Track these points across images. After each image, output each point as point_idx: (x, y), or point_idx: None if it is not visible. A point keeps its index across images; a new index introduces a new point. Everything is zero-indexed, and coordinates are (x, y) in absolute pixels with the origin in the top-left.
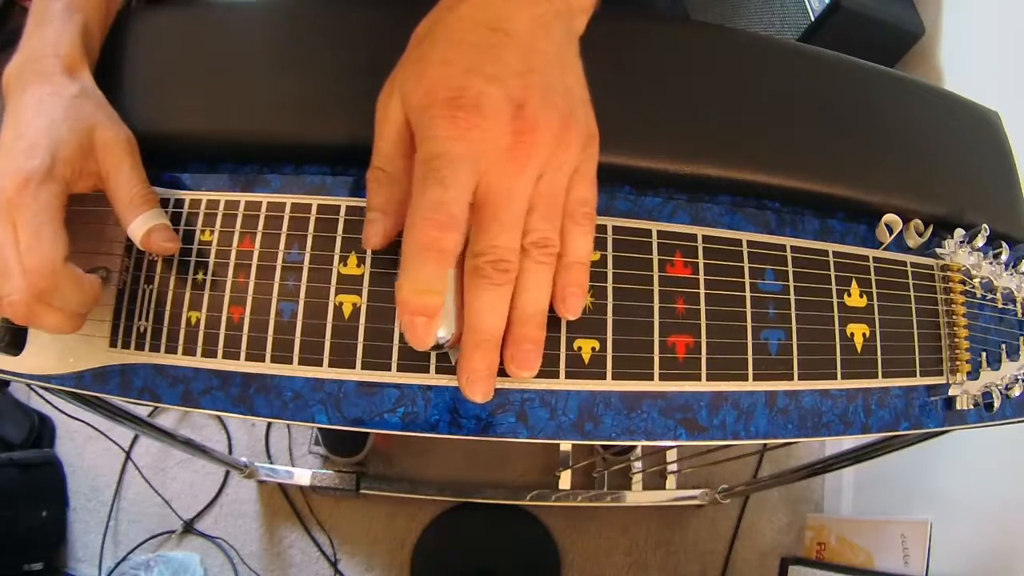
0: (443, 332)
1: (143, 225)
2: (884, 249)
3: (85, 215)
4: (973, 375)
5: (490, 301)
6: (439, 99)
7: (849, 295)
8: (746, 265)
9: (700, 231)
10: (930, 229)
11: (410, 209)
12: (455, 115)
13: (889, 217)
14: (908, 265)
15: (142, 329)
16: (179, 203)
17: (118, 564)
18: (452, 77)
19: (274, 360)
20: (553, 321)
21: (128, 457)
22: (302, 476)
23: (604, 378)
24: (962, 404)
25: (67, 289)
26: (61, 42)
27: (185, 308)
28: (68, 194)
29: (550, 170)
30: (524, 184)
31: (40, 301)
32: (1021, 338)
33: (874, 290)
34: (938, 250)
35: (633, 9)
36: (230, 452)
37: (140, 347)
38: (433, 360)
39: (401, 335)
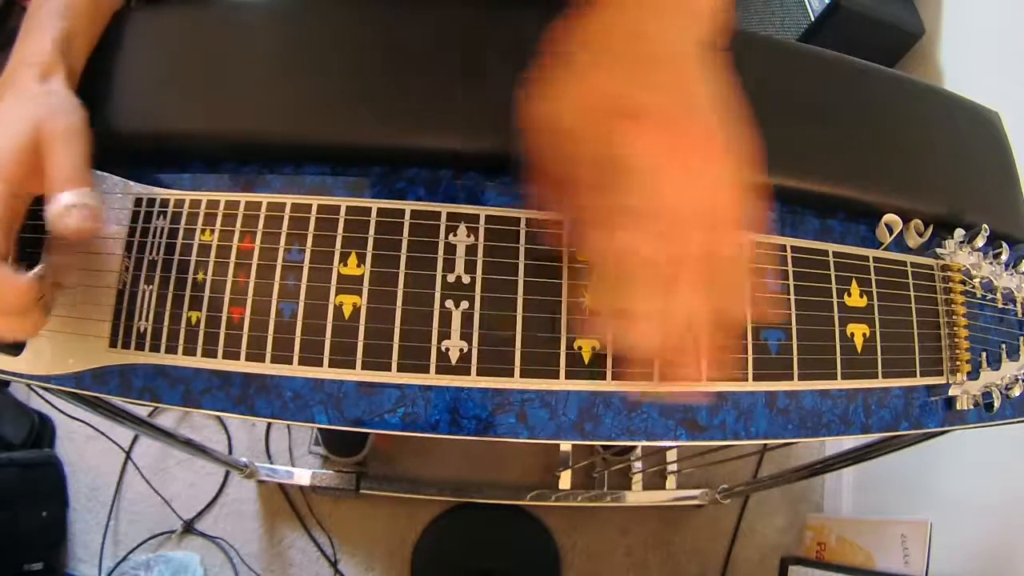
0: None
1: (68, 200)
2: (884, 249)
3: None
4: (973, 375)
5: (676, 306)
6: (606, 108)
7: (849, 295)
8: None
9: None
10: (930, 229)
11: (595, 211)
12: (624, 124)
13: (889, 217)
14: (908, 265)
15: (142, 329)
16: (179, 203)
17: (118, 564)
18: (615, 86)
19: (274, 360)
20: (552, 321)
21: (128, 457)
22: (302, 476)
23: (604, 378)
24: (962, 404)
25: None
26: (38, 50)
27: (185, 308)
28: (17, 194)
29: (704, 177)
30: (689, 193)
31: None
32: (1021, 338)
33: (874, 290)
34: (938, 250)
35: None
36: (230, 452)
37: (140, 347)
38: (433, 360)
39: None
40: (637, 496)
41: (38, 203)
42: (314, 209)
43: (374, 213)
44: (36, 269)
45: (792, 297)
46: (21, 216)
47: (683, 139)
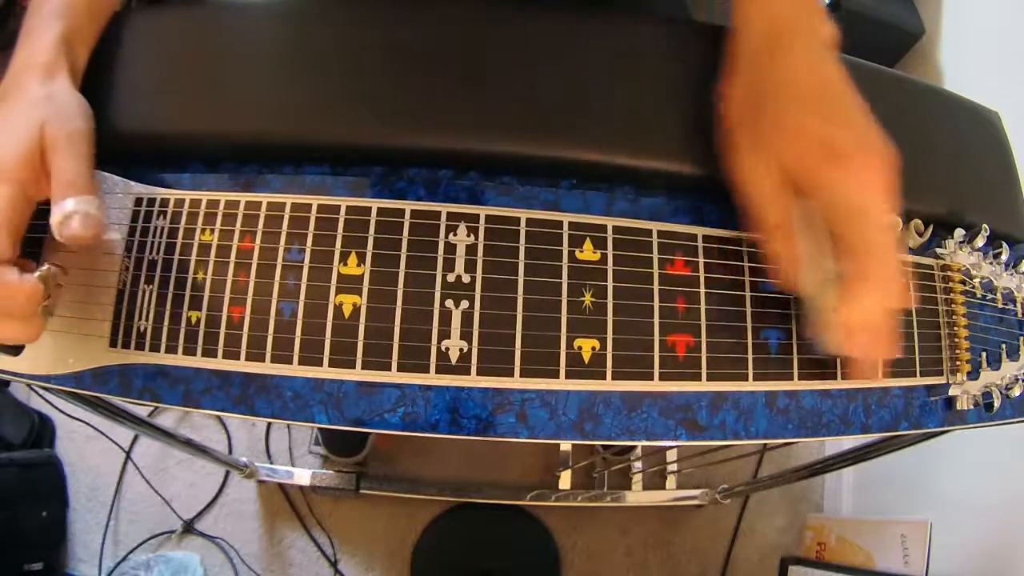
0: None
1: (70, 207)
2: None
3: None
4: (973, 375)
5: (883, 307)
6: (816, 149)
7: None
8: (746, 264)
9: (700, 231)
10: (930, 229)
11: (850, 253)
12: (838, 162)
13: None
14: (908, 265)
15: (142, 329)
16: (179, 203)
17: (118, 564)
18: (815, 126)
19: (274, 360)
20: (552, 321)
21: (128, 457)
22: (302, 476)
23: (604, 378)
24: (962, 404)
25: None
26: (39, 51)
27: (185, 308)
28: (24, 196)
29: (885, 192)
30: (884, 212)
31: None
32: (1021, 338)
33: None
34: (938, 250)
35: (635, 10)
36: (230, 452)
37: (140, 347)
38: (433, 360)
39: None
40: (637, 496)
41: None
42: (314, 209)
43: (374, 213)
44: (41, 271)
45: (792, 297)
46: (27, 220)
47: (882, 169)
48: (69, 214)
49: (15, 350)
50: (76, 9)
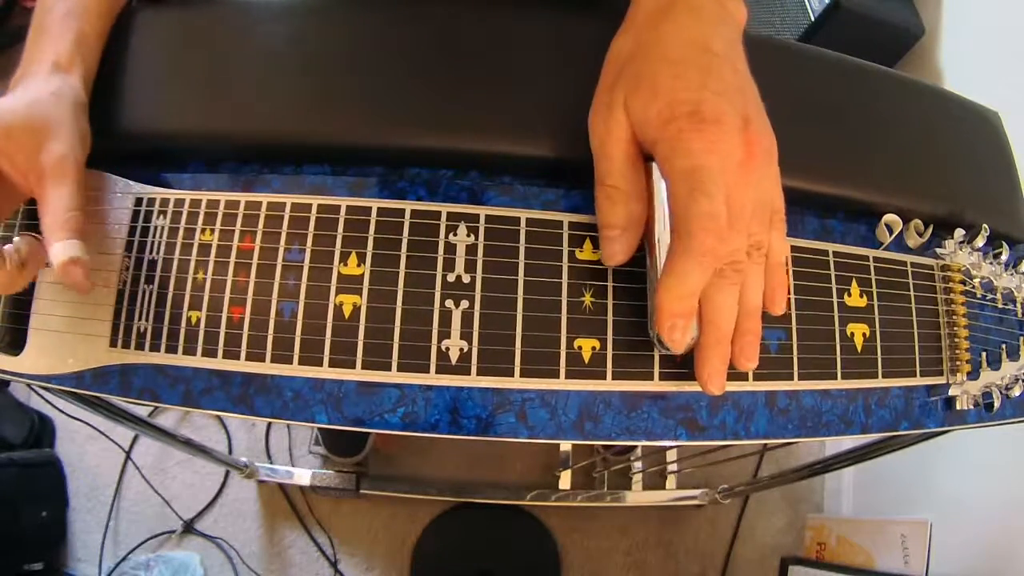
0: (694, 333)
1: (67, 252)
2: (884, 249)
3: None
4: (973, 375)
5: (731, 300)
6: (682, 113)
7: (849, 295)
8: None
9: None
10: (930, 229)
11: (680, 220)
12: (702, 128)
13: (889, 217)
14: (908, 265)
15: (142, 329)
16: (179, 203)
17: (118, 564)
18: (687, 91)
19: (274, 360)
20: (553, 321)
21: (128, 457)
22: (302, 476)
23: (604, 378)
24: (962, 404)
25: None
26: (53, 48)
27: (185, 308)
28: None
29: (764, 179)
30: (752, 193)
31: None
32: (1021, 338)
33: (874, 290)
34: (938, 250)
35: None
36: (230, 452)
37: (140, 347)
38: (433, 360)
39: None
40: (637, 496)
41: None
42: (314, 209)
43: (374, 213)
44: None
45: (792, 297)
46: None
47: (754, 141)
48: (75, 259)
49: (15, 350)
50: (91, 11)
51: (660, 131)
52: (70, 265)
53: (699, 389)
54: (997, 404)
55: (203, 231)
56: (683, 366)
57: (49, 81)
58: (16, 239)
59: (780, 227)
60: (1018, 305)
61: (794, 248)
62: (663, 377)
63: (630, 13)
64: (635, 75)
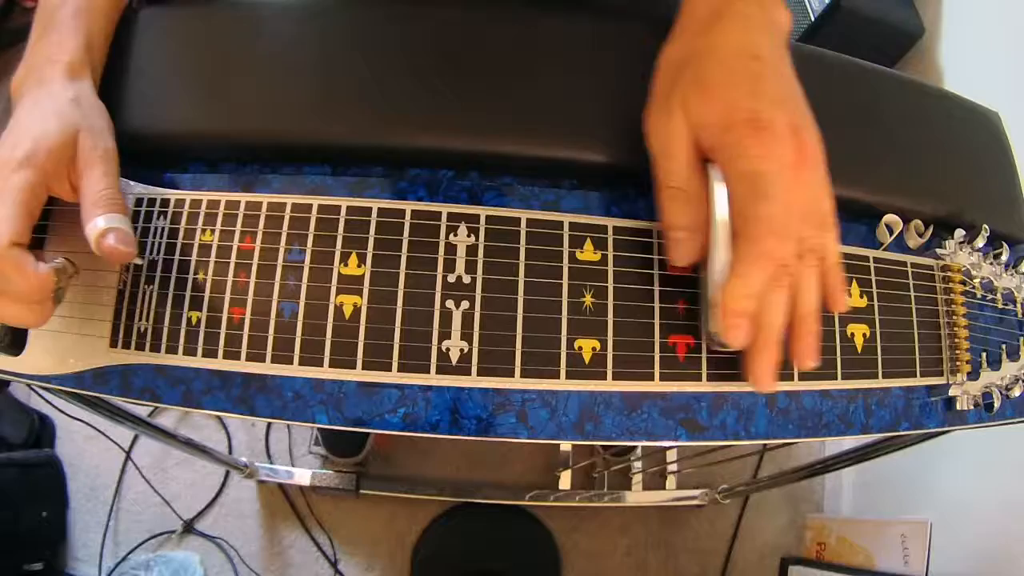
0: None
1: (103, 224)
2: (884, 249)
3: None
4: (973, 375)
5: (782, 301)
6: (739, 120)
7: (849, 295)
8: None
9: None
10: (930, 229)
11: (742, 223)
12: (760, 135)
13: (889, 217)
14: (908, 265)
15: (143, 329)
16: (179, 203)
17: (118, 564)
18: (743, 99)
19: (275, 360)
20: (553, 322)
21: (128, 457)
22: (302, 476)
23: (604, 378)
24: (962, 404)
25: (7, 271)
26: (64, 49)
27: (186, 308)
28: (45, 186)
29: (813, 183)
30: (803, 197)
31: None
32: (1021, 338)
33: (874, 290)
34: (938, 250)
35: (635, 9)
36: (230, 452)
37: (140, 347)
38: (433, 360)
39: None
40: (637, 496)
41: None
42: (315, 209)
43: (375, 213)
44: (56, 261)
45: None
46: (41, 209)
47: (805, 146)
48: (104, 231)
49: (15, 350)
50: (98, 10)
51: (720, 136)
52: (106, 235)
53: (700, 389)
54: (997, 404)
55: (203, 231)
56: (684, 367)
57: (67, 89)
58: (58, 260)
59: (831, 229)
60: (1018, 305)
61: None
62: (663, 377)
63: (680, 21)
64: (693, 81)
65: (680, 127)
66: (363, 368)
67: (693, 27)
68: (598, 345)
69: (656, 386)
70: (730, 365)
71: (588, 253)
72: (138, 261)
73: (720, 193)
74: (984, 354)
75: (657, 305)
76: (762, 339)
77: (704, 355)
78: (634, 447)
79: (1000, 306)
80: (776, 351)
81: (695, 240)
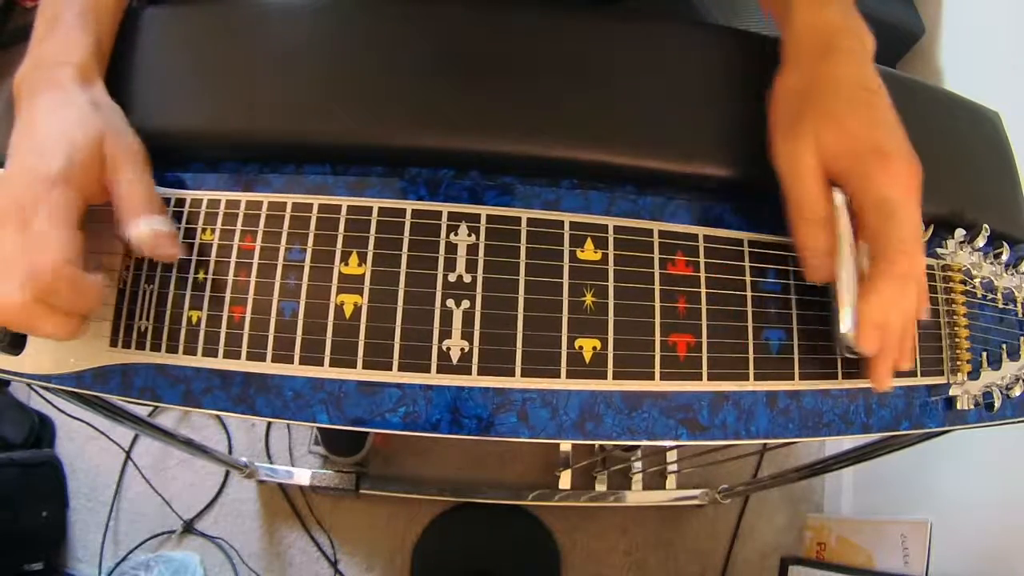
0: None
1: (147, 226)
2: None
3: (88, 215)
4: (974, 375)
5: (904, 312)
6: (867, 149)
7: None
8: (747, 264)
9: (701, 231)
10: (930, 229)
11: (882, 246)
12: (886, 163)
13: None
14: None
15: (143, 329)
16: (180, 203)
17: (118, 564)
18: (867, 129)
19: (275, 359)
20: (554, 321)
21: (128, 457)
22: (302, 476)
23: (605, 378)
24: (963, 404)
25: (64, 290)
26: (75, 51)
27: (186, 308)
28: (84, 201)
29: (917, 202)
30: (918, 218)
31: (38, 303)
32: (1021, 338)
33: None
34: (939, 250)
35: (635, 9)
36: (230, 452)
37: (141, 347)
38: (434, 360)
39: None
40: (637, 496)
41: None
42: (315, 208)
43: (375, 212)
44: (98, 275)
45: (793, 297)
46: (83, 221)
47: (916, 170)
48: (148, 233)
49: (15, 349)
50: (105, 10)
51: (851, 166)
52: (155, 238)
53: (700, 389)
54: (997, 404)
55: (204, 231)
56: (684, 366)
57: (83, 93)
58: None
59: (922, 245)
60: (1018, 305)
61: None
62: (664, 377)
63: (790, 53)
64: (821, 113)
65: (812, 157)
66: (363, 367)
67: (806, 61)
68: (599, 344)
69: (656, 385)
70: (730, 365)
71: (589, 252)
72: (182, 255)
73: (846, 215)
74: (984, 354)
75: (657, 304)
76: (887, 344)
77: (705, 355)
78: (634, 447)
79: (1000, 306)
80: (897, 354)
81: (831, 261)
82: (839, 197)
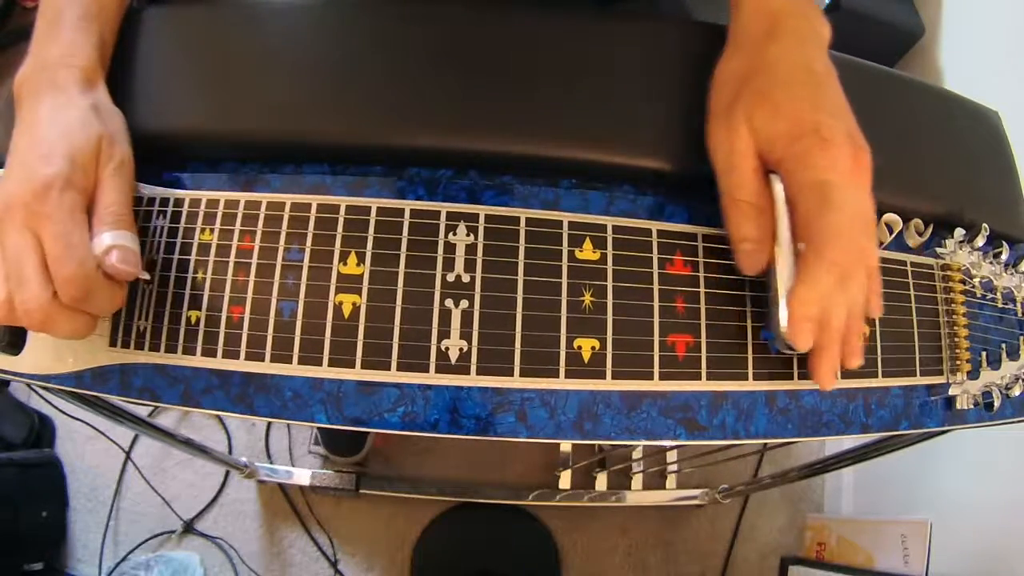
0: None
1: (109, 241)
2: (884, 248)
3: None
4: (973, 375)
5: (844, 304)
6: (806, 131)
7: None
8: None
9: (700, 230)
10: (930, 229)
11: (813, 232)
12: (825, 146)
13: (889, 217)
14: (908, 265)
15: (142, 328)
16: (179, 202)
17: (118, 564)
18: (807, 111)
19: (274, 359)
20: (552, 321)
21: (128, 457)
22: (302, 476)
23: (604, 377)
24: (962, 404)
25: (100, 294)
26: (78, 53)
27: (185, 307)
28: (88, 202)
29: (864, 190)
30: (862, 205)
31: (66, 308)
32: (1021, 338)
33: None
34: (938, 250)
35: (635, 8)
36: (230, 452)
37: (140, 347)
38: (433, 359)
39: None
40: (637, 496)
41: None
42: (314, 208)
43: (374, 212)
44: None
45: None
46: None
47: (861, 154)
48: (108, 248)
49: (15, 349)
50: (107, 12)
51: (787, 149)
52: (109, 252)
53: (699, 389)
54: (997, 404)
55: (202, 231)
56: (683, 366)
57: (85, 97)
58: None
59: (874, 235)
60: (1018, 304)
61: None
62: (663, 377)
63: (733, 38)
64: (756, 94)
65: (745, 141)
66: (362, 367)
67: (748, 43)
68: (597, 344)
69: (655, 385)
70: (729, 364)
71: (587, 252)
72: (144, 277)
73: (784, 203)
74: (984, 353)
75: (656, 304)
76: (826, 340)
77: (704, 354)
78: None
79: (1000, 305)
80: (838, 351)
81: (764, 250)
82: (778, 185)
